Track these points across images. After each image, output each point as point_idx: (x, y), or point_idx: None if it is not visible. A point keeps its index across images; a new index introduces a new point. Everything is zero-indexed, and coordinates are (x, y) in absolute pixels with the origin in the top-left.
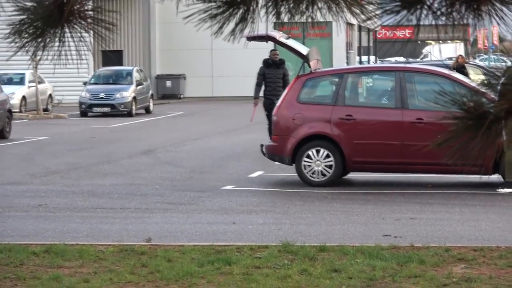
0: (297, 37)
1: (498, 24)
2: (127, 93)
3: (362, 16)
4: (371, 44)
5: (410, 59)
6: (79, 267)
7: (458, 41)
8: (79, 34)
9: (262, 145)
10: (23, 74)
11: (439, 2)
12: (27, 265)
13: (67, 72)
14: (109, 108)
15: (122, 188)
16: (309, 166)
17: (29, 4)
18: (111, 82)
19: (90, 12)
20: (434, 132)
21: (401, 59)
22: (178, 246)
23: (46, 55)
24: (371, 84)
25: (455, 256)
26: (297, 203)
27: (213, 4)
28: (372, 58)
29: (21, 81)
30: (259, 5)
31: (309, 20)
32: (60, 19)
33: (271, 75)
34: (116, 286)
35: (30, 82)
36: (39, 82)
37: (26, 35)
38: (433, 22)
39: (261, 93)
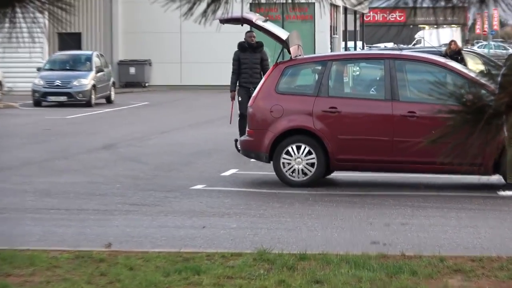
0: (276, 19)
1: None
2: (86, 81)
3: (352, 0)
4: (358, 28)
5: (401, 46)
6: (30, 275)
7: (454, 26)
8: (32, 15)
9: (236, 140)
10: None
11: None
12: None
13: (18, 56)
14: (65, 97)
15: (79, 186)
16: (289, 164)
17: None
18: (67, 68)
19: None
20: (428, 127)
21: (391, 45)
22: (141, 253)
23: None
24: (357, 73)
25: (451, 267)
26: (275, 206)
27: None
28: (359, 43)
29: None
30: None
31: (289, 0)
32: None
33: (247, 60)
34: None
35: None
36: None
37: None
38: (430, 5)
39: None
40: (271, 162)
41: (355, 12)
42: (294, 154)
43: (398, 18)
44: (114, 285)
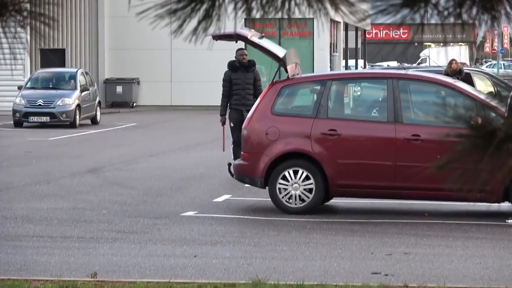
0: (272, 36)
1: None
2: (70, 100)
3: (352, 17)
4: (359, 46)
5: (405, 64)
6: None
7: (462, 43)
8: (13, 30)
9: (229, 164)
10: None
11: (446, 1)
12: None
13: None
14: (48, 118)
15: (63, 213)
16: (285, 189)
17: None
18: (51, 86)
19: (26, 5)
20: (433, 151)
21: (395, 64)
22: (129, 283)
23: None
24: (359, 93)
25: None
26: (271, 234)
27: None
28: (361, 62)
29: None
30: (226, 0)
31: (286, 16)
32: None
33: (239, 80)
34: None
35: None
36: None
37: None
38: (439, 22)
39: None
40: (267, 187)
41: (356, 29)
42: (291, 179)
43: (402, 35)
44: None
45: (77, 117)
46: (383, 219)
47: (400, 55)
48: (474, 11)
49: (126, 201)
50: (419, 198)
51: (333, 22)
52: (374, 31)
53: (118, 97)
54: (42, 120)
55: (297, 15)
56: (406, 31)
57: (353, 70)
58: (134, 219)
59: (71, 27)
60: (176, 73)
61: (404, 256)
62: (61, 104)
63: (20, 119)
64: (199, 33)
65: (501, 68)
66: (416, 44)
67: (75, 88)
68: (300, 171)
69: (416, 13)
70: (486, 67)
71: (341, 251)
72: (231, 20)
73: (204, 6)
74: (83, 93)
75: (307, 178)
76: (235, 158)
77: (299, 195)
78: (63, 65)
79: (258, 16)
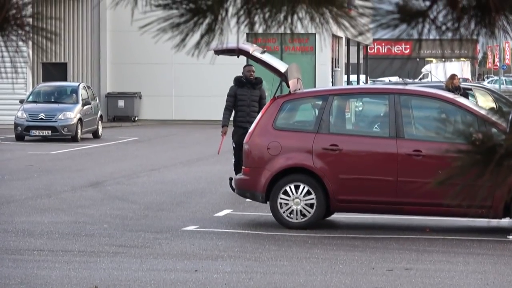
0: (274, 51)
1: None
2: (72, 114)
3: (353, 31)
4: (361, 61)
5: (407, 80)
6: None
7: (463, 59)
8: (15, 44)
9: (231, 179)
10: None
11: (444, 16)
12: None
13: (0, 88)
14: (50, 131)
15: (64, 226)
16: (286, 204)
17: None
18: (52, 100)
19: (29, 19)
20: (434, 166)
21: (396, 79)
22: None
23: None
24: (360, 108)
25: None
26: (272, 248)
27: (175, 11)
28: (362, 77)
29: None
30: (229, 14)
31: (288, 31)
32: None
33: (245, 96)
34: None
35: None
36: None
37: None
38: (437, 37)
39: (232, 118)
40: (268, 202)
41: (358, 44)
42: (292, 194)
43: (403, 51)
44: None
45: (79, 131)
46: (384, 235)
47: (402, 71)
48: (472, 26)
49: (127, 215)
50: (420, 214)
51: (335, 37)
52: (376, 47)
53: (120, 111)
54: (44, 134)
55: (299, 29)
56: (408, 46)
57: (354, 86)
58: (135, 233)
59: (73, 41)
60: (178, 88)
61: (405, 271)
62: (62, 118)
63: (22, 133)
64: (201, 47)
65: (502, 84)
66: (417, 59)
67: (77, 102)
68: (301, 186)
69: (414, 28)
70: (488, 82)
71: (342, 266)
72: (233, 34)
73: (207, 20)
74: (85, 107)
75: (308, 193)
76: (236, 173)
77: (300, 210)
78: (65, 79)
79: (260, 30)
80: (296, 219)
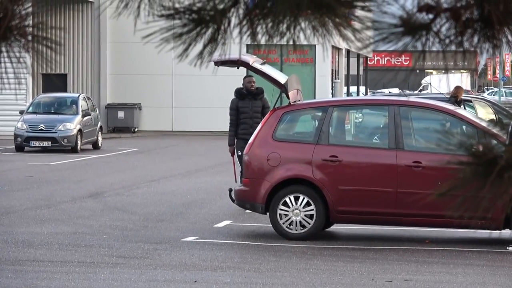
0: (274, 62)
1: None
2: (72, 125)
3: (356, 43)
4: (361, 73)
5: (407, 91)
6: None
7: (463, 71)
8: (17, 54)
9: (230, 190)
10: None
11: (447, 29)
12: None
13: (1, 98)
14: (49, 142)
15: (63, 237)
16: (286, 215)
17: None
18: (52, 111)
19: (31, 29)
20: (434, 178)
21: (396, 91)
22: None
23: None
24: (360, 120)
25: None
26: (271, 259)
27: (177, 21)
28: (362, 89)
29: None
30: (232, 24)
31: (290, 42)
32: None
33: (247, 108)
34: None
35: None
36: None
37: None
38: (440, 49)
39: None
40: (267, 213)
41: (358, 56)
42: (292, 205)
43: (403, 63)
44: None
45: (79, 142)
46: (383, 246)
47: (402, 82)
48: (476, 39)
49: (127, 226)
50: (420, 225)
51: (335, 49)
52: (375, 58)
53: (120, 122)
54: (44, 145)
55: (302, 40)
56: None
57: (354, 97)
58: (134, 244)
59: (74, 52)
60: (178, 99)
61: (405, 283)
62: (62, 129)
63: (22, 144)
64: (204, 57)
65: (502, 96)
66: (417, 71)
67: (77, 113)
68: (301, 197)
69: (417, 41)
70: (488, 94)
71: (341, 277)
72: (236, 44)
73: (210, 30)
74: (85, 118)
75: (308, 204)
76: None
77: (300, 221)
78: (65, 90)
79: (263, 41)
80: (296, 230)
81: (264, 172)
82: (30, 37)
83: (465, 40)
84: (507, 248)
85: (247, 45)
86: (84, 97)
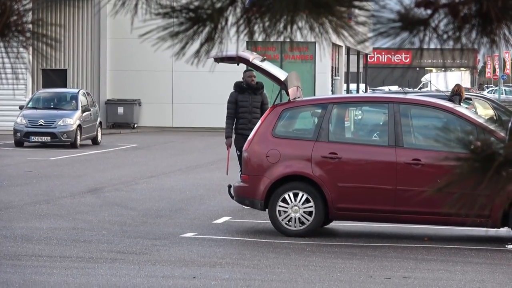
0: (274, 59)
1: None
2: (71, 120)
3: (352, 40)
4: (361, 70)
5: (407, 89)
6: None
7: (463, 68)
8: (15, 50)
9: (230, 186)
10: None
11: (445, 25)
12: None
13: (0, 93)
14: (49, 138)
15: (62, 232)
16: (285, 212)
17: None
18: (52, 106)
19: (29, 25)
20: (434, 175)
21: (396, 88)
22: None
23: None
24: (360, 117)
25: None
26: (270, 256)
27: (174, 20)
28: (362, 86)
29: None
30: (229, 23)
31: (288, 40)
32: None
33: (246, 103)
34: None
35: None
36: None
37: None
38: (438, 46)
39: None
40: (266, 209)
41: (358, 53)
42: (291, 201)
43: (403, 60)
44: None
45: (78, 137)
46: (382, 243)
47: (402, 80)
48: (474, 35)
49: (126, 221)
50: (419, 223)
51: (335, 46)
52: (375, 56)
53: (119, 118)
54: (43, 140)
55: (299, 38)
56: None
57: (354, 94)
58: (133, 240)
59: (73, 48)
60: (177, 95)
61: (403, 280)
62: (62, 124)
63: (21, 139)
64: (201, 56)
65: (502, 94)
66: (417, 68)
67: (77, 109)
68: (300, 194)
69: (415, 37)
70: (487, 92)
71: (340, 274)
72: (233, 42)
73: (207, 29)
74: (84, 114)
75: (307, 201)
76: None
77: (299, 218)
78: (64, 86)
79: (260, 39)
80: (295, 226)
81: (263, 168)
82: (28, 34)
83: (463, 36)
84: (506, 246)
85: (247, 42)
86: (83, 93)
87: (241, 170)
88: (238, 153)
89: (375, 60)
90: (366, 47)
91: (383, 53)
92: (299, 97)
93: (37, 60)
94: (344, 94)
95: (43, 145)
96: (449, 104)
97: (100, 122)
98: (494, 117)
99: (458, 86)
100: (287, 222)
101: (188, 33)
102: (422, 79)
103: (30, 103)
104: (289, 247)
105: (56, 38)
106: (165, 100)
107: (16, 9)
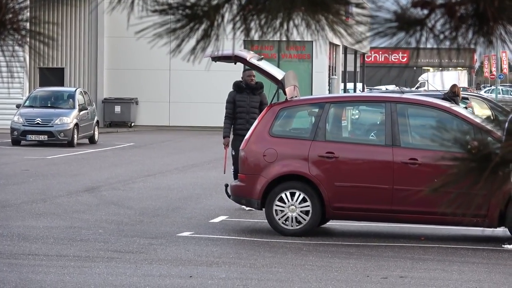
0: (271, 58)
1: (510, 50)
2: (68, 119)
3: (349, 39)
4: (358, 69)
5: (404, 88)
6: None
7: (461, 68)
8: (11, 49)
9: (226, 185)
10: None
11: (442, 25)
12: None
13: None
14: (46, 136)
15: (59, 231)
16: (282, 211)
17: None
18: (49, 105)
19: (25, 23)
20: (430, 175)
21: (393, 87)
22: None
23: None
24: (357, 116)
25: None
26: (267, 255)
27: (171, 17)
28: (359, 85)
29: None
30: (225, 20)
31: (284, 38)
32: None
33: (244, 103)
34: None
35: None
36: None
37: None
38: (435, 46)
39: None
40: (263, 209)
41: (355, 52)
42: (288, 201)
43: (401, 59)
44: None
45: (75, 136)
46: (379, 243)
47: (399, 79)
48: (470, 35)
49: (123, 220)
50: (416, 222)
51: (332, 45)
52: (373, 55)
53: (116, 116)
54: (40, 139)
55: (295, 37)
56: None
57: (351, 93)
58: (130, 239)
59: (70, 46)
60: (174, 94)
61: (400, 279)
62: (59, 123)
63: (18, 137)
64: (197, 53)
65: (499, 93)
66: (415, 68)
67: (74, 107)
68: (297, 193)
69: (412, 37)
70: (485, 92)
71: (336, 273)
72: (229, 40)
73: (203, 26)
74: (82, 112)
75: (304, 200)
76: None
77: (296, 217)
78: (61, 84)
79: (256, 37)
80: (292, 226)
81: (260, 168)
82: (24, 32)
83: (460, 36)
84: (503, 246)
85: (244, 41)
86: (81, 91)
87: (234, 170)
88: (233, 153)
89: (372, 60)
90: (364, 46)
91: (380, 52)
92: (296, 96)
93: (33, 59)
94: (341, 93)
95: (40, 144)
96: (446, 104)
97: (97, 121)
98: (491, 117)
99: (454, 86)
100: (284, 222)
101: (184, 30)
102: (419, 78)
103: (27, 101)
104: (286, 247)
105: (53, 37)
106: (162, 99)
107: (12, 7)
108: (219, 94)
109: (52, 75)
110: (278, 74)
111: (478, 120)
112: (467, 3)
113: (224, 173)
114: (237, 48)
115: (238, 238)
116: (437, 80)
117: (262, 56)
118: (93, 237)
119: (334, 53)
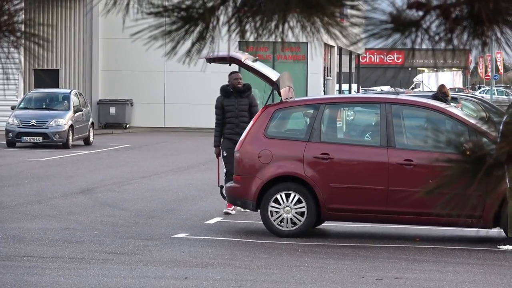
0: (266, 59)
1: (505, 51)
2: (63, 121)
3: (344, 41)
4: (353, 70)
5: (399, 89)
6: None
7: (455, 69)
8: (6, 51)
9: (221, 187)
10: None
11: (437, 26)
12: None
13: None
14: (41, 138)
15: (54, 233)
16: (277, 212)
17: None
18: (44, 107)
19: (20, 25)
20: (425, 176)
21: (388, 88)
22: None
23: None
24: (352, 117)
25: None
26: (262, 256)
27: (166, 19)
28: (354, 86)
29: None
30: (221, 22)
31: (279, 40)
32: None
33: (232, 107)
34: None
35: None
36: None
37: None
38: (430, 47)
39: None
40: (258, 210)
41: (350, 53)
42: (283, 202)
43: (396, 60)
44: None
45: (70, 137)
46: (374, 244)
47: (394, 80)
48: (465, 36)
49: (118, 222)
50: (411, 223)
51: (327, 46)
52: (368, 56)
53: (111, 118)
54: (35, 140)
55: (290, 38)
56: (400, 56)
57: (346, 95)
58: (125, 240)
59: (65, 48)
60: (169, 95)
61: (395, 280)
62: (54, 125)
63: (13, 139)
64: (192, 55)
65: (494, 94)
66: (410, 69)
67: (69, 109)
68: (292, 195)
69: (407, 38)
70: (479, 93)
71: (332, 275)
72: (225, 42)
73: (198, 28)
74: (76, 114)
75: (299, 201)
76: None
77: (291, 219)
78: (56, 86)
79: (251, 39)
80: (287, 227)
81: (255, 169)
82: (19, 34)
83: (455, 37)
84: (498, 246)
85: (239, 42)
86: (75, 93)
87: (226, 172)
88: (225, 154)
89: (367, 61)
90: (359, 47)
91: (375, 53)
92: (291, 98)
93: (28, 61)
94: (336, 94)
95: (35, 146)
96: (441, 105)
97: (92, 123)
98: (485, 118)
99: (442, 86)
100: (279, 223)
101: (179, 32)
102: (414, 79)
103: (22, 103)
104: (281, 248)
105: (47, 38)
106: (157, 101)
107: (7, 9)
108: (214, 96)
109: (47, 77)
110: (273, 75)
111: (473, 121)
112: (462, 5)
113: (218, 185)
114: (232, 50)
115: (233, 239)
116: (432, 81)
117: (257, 58)
118: (88, 238)
119: (329, 54)
